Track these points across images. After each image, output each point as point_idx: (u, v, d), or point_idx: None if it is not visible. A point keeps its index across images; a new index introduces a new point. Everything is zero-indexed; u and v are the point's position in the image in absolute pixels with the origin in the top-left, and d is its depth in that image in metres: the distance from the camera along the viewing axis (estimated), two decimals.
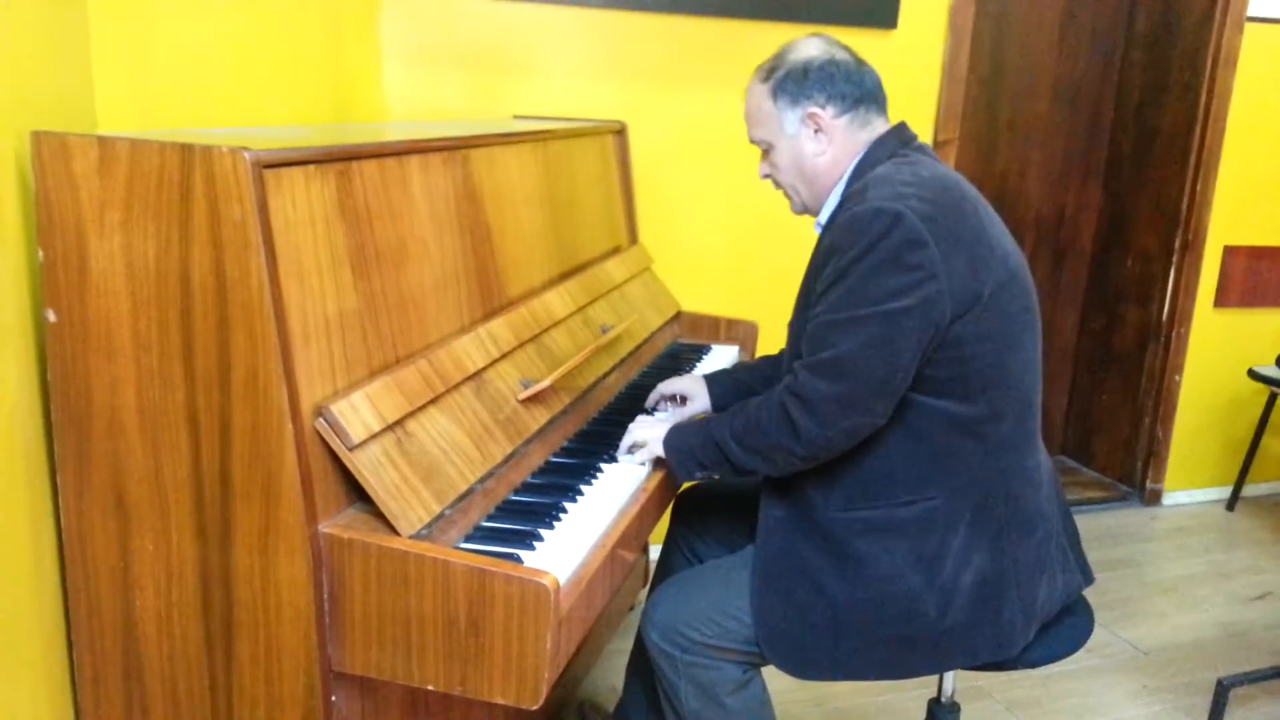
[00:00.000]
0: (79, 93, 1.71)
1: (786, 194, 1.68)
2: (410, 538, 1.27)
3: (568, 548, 1.40)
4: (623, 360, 2.11)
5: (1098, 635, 2.73)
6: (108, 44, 1.76)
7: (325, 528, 1.25)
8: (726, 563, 1.67)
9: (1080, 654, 2.64)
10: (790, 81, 1.58)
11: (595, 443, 1.77)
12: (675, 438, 1.65)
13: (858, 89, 1.59)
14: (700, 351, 2.40)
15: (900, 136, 1.61)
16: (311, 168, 1.28)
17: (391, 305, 1.43)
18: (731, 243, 2.87)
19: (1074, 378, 3.83)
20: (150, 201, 1.19)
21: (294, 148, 1.25)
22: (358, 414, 1.28)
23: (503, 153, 1.83)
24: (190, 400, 1.23)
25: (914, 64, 2.92)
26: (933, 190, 1.46)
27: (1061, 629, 1.65)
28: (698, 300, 2.65)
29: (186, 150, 1.16)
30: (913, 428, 1.49)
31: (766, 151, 1.65)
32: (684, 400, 1.89)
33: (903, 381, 1.44)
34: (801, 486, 1.55)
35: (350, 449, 1.25)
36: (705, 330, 2.54)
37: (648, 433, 1.69)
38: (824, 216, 1.63)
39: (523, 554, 1.36)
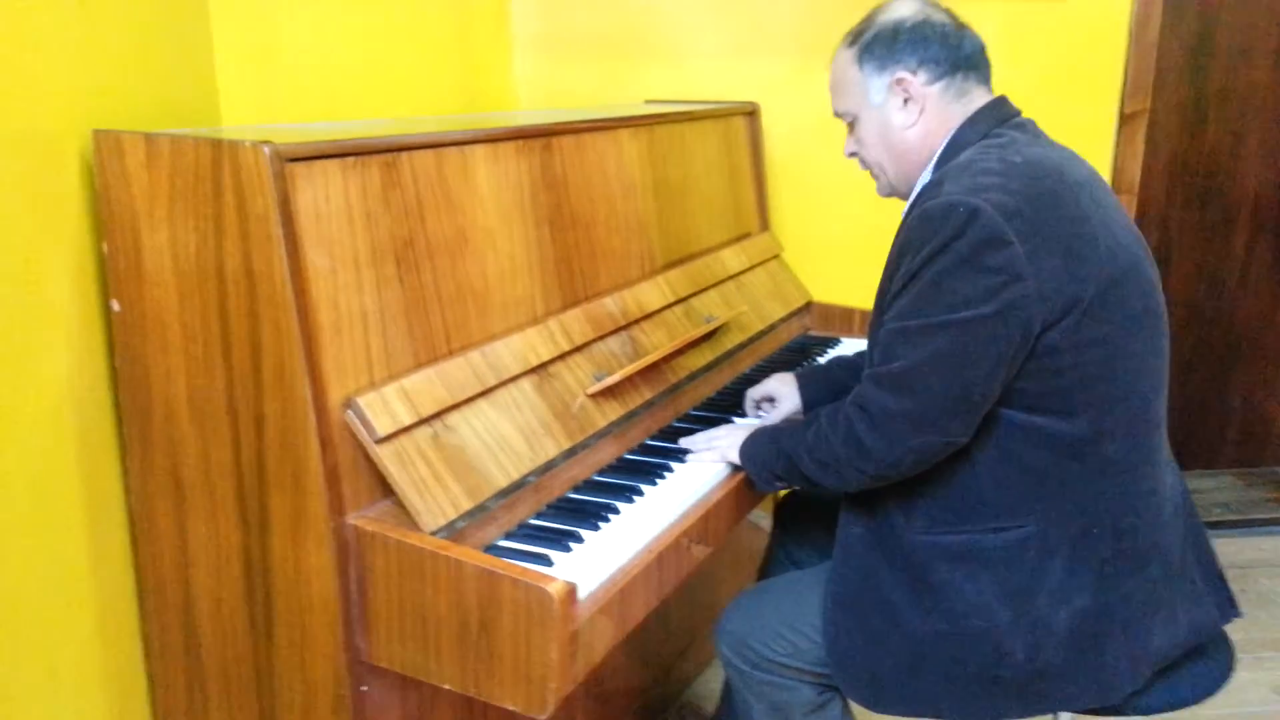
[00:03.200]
0: (200, 89, 1.80)
1: (873, 173, 1.53)
2: (435, 533, 1.26)
3: (608, 551, 1.34)
4: (730, 353, 2.02)
5: None
6: (230, 40, 1.84)
7: (353, 519, 1.25)
8: (804, 577, 1.56)
9: (1272, 697, 2.34)
10: (878, 44, 1.43)
11: (680, 438, 1.70)
12: (750, 446, 1.55)
13: (954, 53, 1.41)
14: (829, 345, 2.28)
15: (998, 113, 1.42)
16: (350, 160, 1.28)
17: (445, 297, 1.42)
18: (872, 229, 2.67)
19: None
20: (189, 196, 1.22)
21: (328, 140, 1.25)
22: (387, 407, 1.27)
23: (595, 140, 1.79)
24: (230, 390, 1.27)
25: (1094, 30, 2.64)
26: (1021, 179, 1.28)
27: (1188, 671, 1.43)
28: (836, 290, 2.51)
29: (216, 145, 1.19)
30: (1002, 447, 1.32)
31: (852, 125, 1.51)
32: (773, 401, 1.78)
33: (983, 396, 1.28)
34: (884, 504, 1.41)
35: (377, 441, 1.25)
36: (838, 322, 2.41)
37: (724, 440, 1.61)
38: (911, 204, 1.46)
39: (556, 555, 1.32)
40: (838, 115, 1.53)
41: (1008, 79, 2.71)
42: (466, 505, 1.31)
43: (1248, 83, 3.11)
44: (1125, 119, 2.67)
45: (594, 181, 1.78)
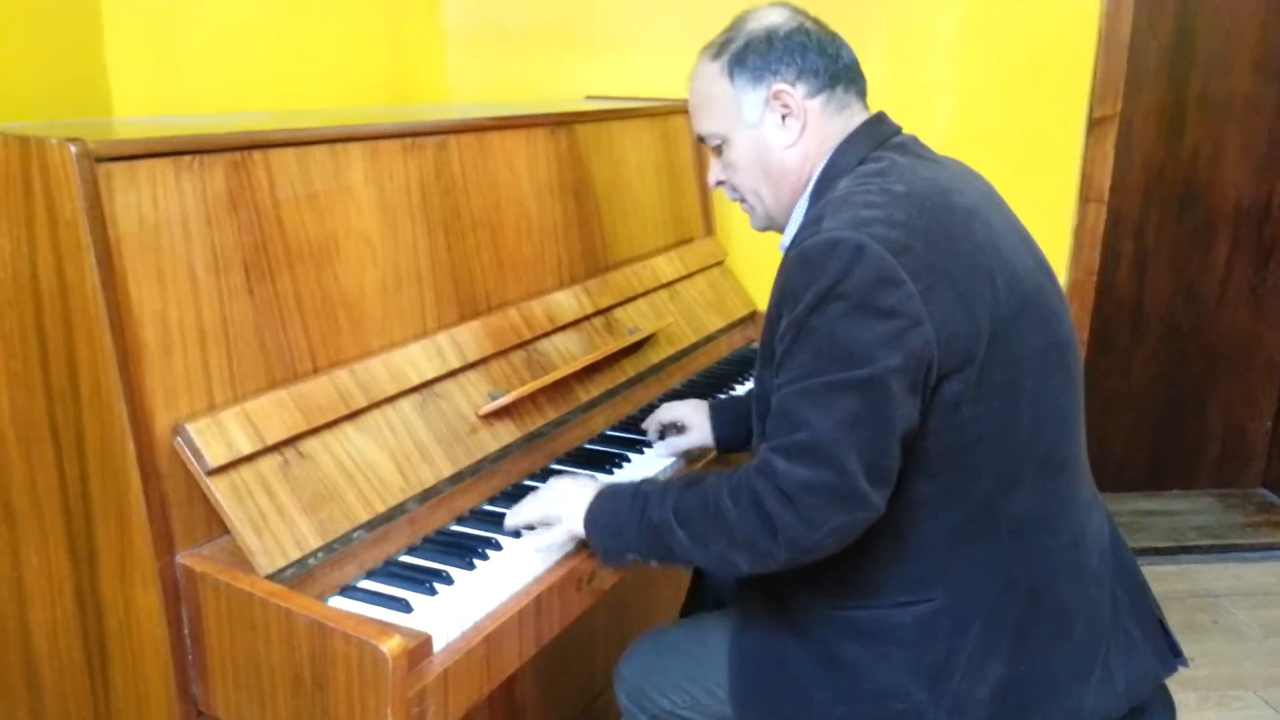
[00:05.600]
0: (88, 77, 1.68)
1: (745, 204, 1.38)
2: (275, 574, 1.13)
3: (479, 594, 1.22)
4: (657, 367, 1.89)
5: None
6: (123, 24, 1.71)
7: (183, 558, 1.13)
8: (707, 624, 1.43)
9: None
10: (751, 54, 1.28)
11: (591, 462, 1.57)
12: (601, 510, 1.27)
13: (833, 63, 1.28)
14: None
15: (876, 133, 1.29)
16: (186, 159, 1.15)
17: (308, 310, 1.30)
18: None
19: None
20: (2, 198, 1.10)
21: (158, 138, 1.13)
22: (224, 433, 1.15)
23: (502, 139, 1.66)
24: (51, 412, 1.15)
25: (1062, 28, 2.49)
26: (907, 210, 1.14)
27: None
28: None
29: (24, 143, 1.06)
30: (901, 514, 1.17)
31: (719, 149, 1.35)
32: (682, 429, 1.64)
33: (895, 460, 1.12)
34: (784, 576, 1.25)
35: (208, 473, 1.12)
36: None
37: (561, 505, 1.30)
38: (789, 236, 1.32)
39: (418, 599, 1.20)
40: (702, 139, 1.37)
41: (968, 80, 2.60)
42: (315, 543, 1.18)
43: (1228, 89, 2.98)
44: (1094, 123, 2.53)
45: (500, 184, 1.65)
